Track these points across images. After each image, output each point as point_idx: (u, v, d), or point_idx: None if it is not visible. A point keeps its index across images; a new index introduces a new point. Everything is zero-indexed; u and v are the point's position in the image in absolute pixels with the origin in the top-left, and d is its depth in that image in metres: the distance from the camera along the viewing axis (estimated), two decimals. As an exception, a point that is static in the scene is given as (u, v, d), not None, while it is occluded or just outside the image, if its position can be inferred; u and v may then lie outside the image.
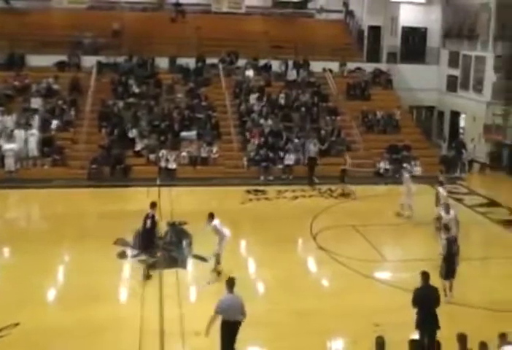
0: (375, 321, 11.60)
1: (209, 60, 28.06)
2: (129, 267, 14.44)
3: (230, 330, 9.99)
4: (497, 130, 24.16)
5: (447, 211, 15.13)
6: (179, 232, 16.34)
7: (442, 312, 11.77)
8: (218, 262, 13.87)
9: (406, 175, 19.12)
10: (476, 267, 14.97)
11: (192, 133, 23.92)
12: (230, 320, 9.94)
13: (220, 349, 10.14)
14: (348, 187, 21.29)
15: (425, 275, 10.75)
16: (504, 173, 25.15)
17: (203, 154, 23.07)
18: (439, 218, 16.23)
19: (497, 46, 25.60)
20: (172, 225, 16.72)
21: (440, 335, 10.14)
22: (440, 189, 17.74)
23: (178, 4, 30.86)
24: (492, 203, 20.94)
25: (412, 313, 12.07)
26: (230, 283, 10.09)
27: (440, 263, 12.99)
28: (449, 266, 12.88)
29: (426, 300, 10.58)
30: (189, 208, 18.58)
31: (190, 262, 14.80)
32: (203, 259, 14.82)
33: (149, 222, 13.82)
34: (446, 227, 13.45)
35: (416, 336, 10.26)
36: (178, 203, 19.29)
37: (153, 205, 14.15)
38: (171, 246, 15.50)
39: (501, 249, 16.55)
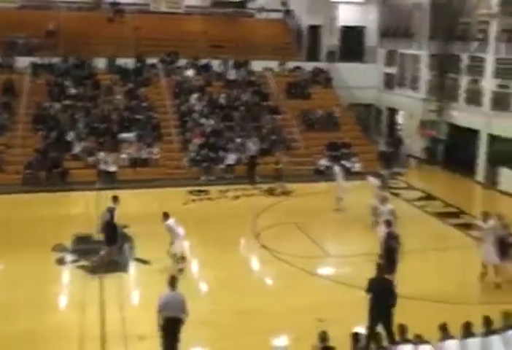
0: (319, 316, 11.73)
1: (149, 61, 27.80)
2: (68, 273, 14.20)
3: (170, 327, 10.05)
4: (432, 126, 24.83)
5: (383, 203, 15.43)
6: (119, 235, 16.09)
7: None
8: (177, 261, 13.95)
9: (337, 170, 19.56)
10: (414, 259, 15.23)
11: (132, 135, 23.65)
12: (169, 317, 10.00)
13: (162, 347, 10.15)
14: (285, 186, 21.50)
15: (379, 267, 11.08)
16: (439, 168, 25.88)
17: (144, 156, 22.84)
18: (374, 208, 16.83)
19: (431, 45, 26.30)
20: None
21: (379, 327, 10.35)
22: (371, 179, 18.08)
23: (115, 4, 30.47)
24: (429, 197, 21.56)
25: (354, 307, 12.40)
26: (171, 280, 10.19)
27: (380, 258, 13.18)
28: (388, 261, 12.86)
29: (378, 290, 10.82)
30: (130, 211, 18.25)
31: (132, 266, 14.67)
32: (144, 262, 14.74)
33: (108, 215, 14.09)
34: (388, 223, 13.60)
35: (358, 329, 10.41)
36: (119, 206, 18.98)
37: (115, 198, 14.40)
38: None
39: (437, 240, 17.09)
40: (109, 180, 21.60)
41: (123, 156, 22.77)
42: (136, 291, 13.64)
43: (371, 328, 10.48)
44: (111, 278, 13.77)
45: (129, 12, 30.52)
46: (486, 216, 14.07)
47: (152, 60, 27.82)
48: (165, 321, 10.02)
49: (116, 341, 11.01)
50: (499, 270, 13.84)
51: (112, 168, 22.03)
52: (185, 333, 10.84)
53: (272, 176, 21.83)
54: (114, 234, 14.33)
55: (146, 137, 23.73)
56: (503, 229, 14.01)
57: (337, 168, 19.76)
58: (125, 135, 23.65)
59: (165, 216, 13.92)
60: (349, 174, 22.47)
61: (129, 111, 24.81)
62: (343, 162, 23.84)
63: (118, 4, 30.42)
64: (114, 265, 14.54)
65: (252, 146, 23.67)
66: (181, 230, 14.03)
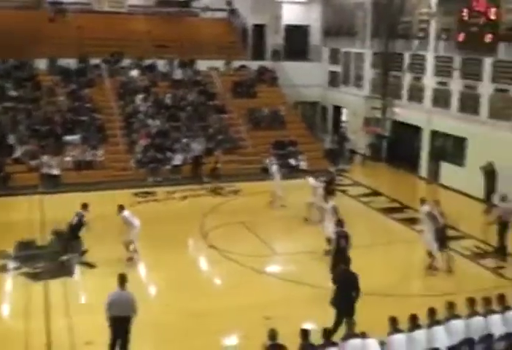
0: (267, 314, 11.84)
1: (92, 61, 27.33)
2: (11, 281, 13.86)
3: (118, 326, 10.06)
4: (376, 123, 25.29)
5: (326, 201, 15.63)
6: (64, 240, 15.83)
7: (324, 298, 12.29)
8: (129, 248, 14.68)
9: (274, 167, 19.93)
10: (361, 255, 15.49)
11: (76, 137, 23.21)
12: (116, 315, 10.01)
13: (109, 346, 10.15)
14: (220, 185, 21.76)
15: (347, 260, 11.49)
16: (384, 164, 26.40)
17: (88, 158, 22.45)
18: (310, 205, 17.32)
19: (374, 43, 26.75)
20: (57, 233, 16.17)
21: (330, 321, 10.46)
22: (310, 178, 18.41)
23: (57, 3, 29.80)
24: (374, 193, 21.96)
25: (302, 304, 12.56)
26: (121, 279, 10.18)
27: (330, 257, 13.34)
28: (336, 261, 12.94)
29: (344, 281, 11.12)
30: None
31: (77, 270, 14.44)
32: (91, 265, 14.54)
33: (76, 218, 14.53)
34: (339, 222, 13.71)
35: (307, 326, 10.50)
36: (63, 210, 18.57)
37: (84, 206, 14.86)
38: (56, 255, 15.00)
39: (383, 235, 17.43)
40: (52, 184, 21.14)
41: (67, 159, 22.30)
42: (83, 296, 13.44)
43: (338, 318, 10.80)
44: (57, 283, 13.54)
45: (71, 11, 29.88)
46: (422, 202, 14.94)
47: (95, 61, 27.37)
48: (112, 320, 10.05)
49: (63, 349, 10.83)
50: (433, 256, 14.53)
51: (56, 172, 21.53)
52: (134, 335, 10.79)
53: (210, 175, 22.15)
54: (75, 237, 14.67)
55: (91, 139, 23.32)
56: (441, 216, 14.67)
57: (274, 167, 20.04)
58: (68, 137, 23.18)
59: (121, 208, 14.65)
60: (296, 172, 22.75)
61: (72, 113, 24.34)
62: (290, 160, 24.08)
63: (60, 3, 29.77)
64: (59, 270, 14.29)
65: (197, 146, 23.55)
66: (136, 221, 14.63)
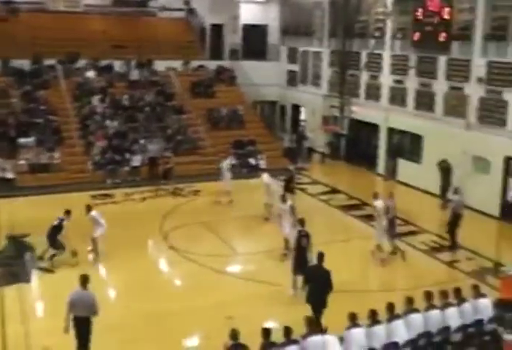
0: (228, 314, 11.80)
1: (47, 62, 26.81)
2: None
3: (79, 326, 10.09)
4: (334, 121, 25.51)
5: (283, 201, 15.66)
6: (19, 245, 15.52)
7: (284, 296, 12.42)
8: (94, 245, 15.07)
9: (224, 166, 20.23)
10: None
11: (31, 140, 22.72)
12: (77, 315, 10.05)
13: (76, 346, 10.15)
14: (177, 186, 21.62)
15: (320, 256, 11.45)
16: (342, 162, 26.63)
17: (44, 161, 22.01)
18: (268, 205, 17.45)
19: (332, 42, 26.96)
20: (12, 238, 15.83)
21: (290, 319, 10.46)
22: (265, 176, 18.49)
23: (9, 2, 29.13)
24: (333, 190, 22.13)
25: (262, 302, 12.58)
26: (83, 279, 10.20)
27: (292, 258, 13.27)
28: (298, 260, 13.03)
29: (317, 278, 11.24)
30: (31, 219, 17.67)
31: (34, 276, 14.15)
32: (48, 270, 14.27)
33: (56, 222, 14.68)
34: (301, 222, 13.65)
35: (268, 324, 10.52)
36: (18, 214, 18.33)
37: (67, 212, 14.91)
38: (11, 261, 14.68)
39: (342, 232, 17.58)
40: (6, 187, 20.67)
41: (22, 162, 21.83)
42: (40, 301, 13.19)
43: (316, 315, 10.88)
44: (13, 289, 13.24)
45: (25, 10, 29.26)
46: (375, 196, 15.43)
47: (50, 62, 26.86)
48: (73, 321, 10.06)
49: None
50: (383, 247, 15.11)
51: (10, 175, 21.07)
52: (95, 339, 10.65)
53: (163, 176, 22.02)
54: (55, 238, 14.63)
55: (47, 141, 22.88)
56: (393, 208, 15.30)
57: (225, 165, 20.33)
58: (23, 140, 22.69)
59: (88, 208, 15.11)
60: (256, 171, 22.77)
61: (27, 115, 23.84)
62: (249, 159, 24.13)
63: (12, 2, 29.12)
64: (15, 275, 13.98)
65: (153, 147, 23.33)
66: (103, 221, 15.06)
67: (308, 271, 11.42)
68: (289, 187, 19.20)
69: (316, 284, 11.24)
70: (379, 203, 15.28)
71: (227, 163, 20.49)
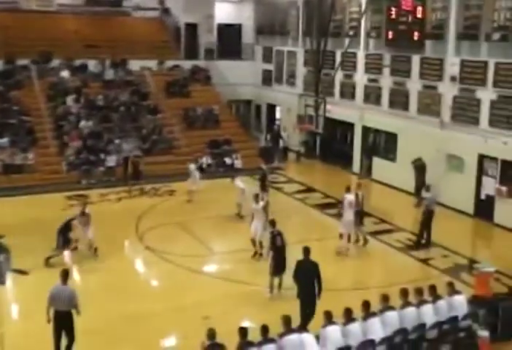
0: (205, 313, 11.78)
1: (20, 62, 26.48)
2: None
3: (58, 320, 10.25)
4: (310, 120, 25.57)
5: (256, 201, 15.68)
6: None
7: (260, 295, 12.47)
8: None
9: (192, 166, 20.52)
10: (296, 251, 15.63)
11: (4, 140, 22.42)
12: (58, 310, 10.24)
13: (54, 344, 10.28)
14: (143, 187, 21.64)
15: (306, 250, 11.57)
16: (318, 161, 26.74)
17: (18, 162, 21.74)
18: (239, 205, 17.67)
19: (306, 41, 27.04)
20: (-15, 240, 15.59)
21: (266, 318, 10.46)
22: (237, 181, 18.60)
23: (-20, 2, 28.80)
24: (308, 189, 22.22)
25: (238, 301, 12.59)
26: (63, 274, 10.52)
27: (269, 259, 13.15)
28: (276, 261, 12.96)
29: (305, 272, 11.33)
30: (5, 220, 17.44)
31: (9, 278, 13.96)
32: (23, 272, 14.09)
33: (67, 219, 14.91)
34: (272, 222, 13.66)
35: (244, 324, 10.54)
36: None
37: (82, 213, 15.40)
38: (-15, 262, 14.46)
39: (317, 231, 17.65)
40: (-20, 189, 20.42)
41: (-5, 162, 21.62)
42: (15, 303, 13.05)
43: (303, 310, 11.04)
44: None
45: (-4, 10, 28.97)
46: (347, 190, 15.99)
47: (23, 62, 26.53)
48: (54, 315, 10.20)
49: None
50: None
51: (-16, 176, 20.85)
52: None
53: (132, 176, 21.98)
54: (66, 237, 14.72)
55: (20, 142, 22.62)
56: (361, 199, 15.97)
57: (192, 166, 20.56)
58: (-4, 140, 22.46)
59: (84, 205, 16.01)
60: (231, 171, 22.76)
61: (0, 116, 23.53)
62: (225, 159, 24.13)
63: (-16, 2, 28.78)
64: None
65: (127, 146, 23.16)
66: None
67: (296, 266, 11.45)
68: (262, 186, 19.22)
69: (305, 277, 11.30)
70: (350, 197, 15.73)
71: (196, 165, 20.80)
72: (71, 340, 10.36)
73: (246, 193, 17.84)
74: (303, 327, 9.22)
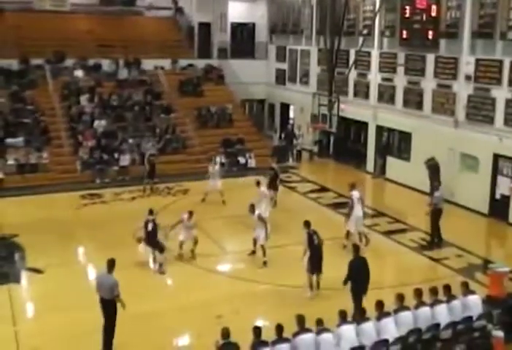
0: (219, 312, 11.85)
1: (34, 62, 26.65)
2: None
3: (104, 307, 10.75)
4: (323, 119, 25.52)
5: (252, 212, 15.29)
6: (9, 245, 15.45)
7: (273, 294, 12.38)
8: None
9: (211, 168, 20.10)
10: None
11: (19, 140, 22.58)
12: (102, 297, 10.77)
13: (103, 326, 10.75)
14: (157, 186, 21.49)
15: (355, 247, 12.01)
16: (331, 160, 26.65)
17: (32, 161, 21.87)
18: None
19: (319, 40, 26.98)
20: (1, 239, 15.76)
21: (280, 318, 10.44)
22: (262, 187, 17.64)
23: (-5, 2, 28.99)
24: (322, 189, 22.15)
25: (250, 300, 12.57)
26: (109, 263, 10.89)
27: (307, 258, 13.17)
28: (314, 259, 13.08)
29: (359, 269, 11.63)
30: (19, 219, 17.65)
31: (24, 276, 14.08)
32: (37, 271, 14.19)
33: (150, 225, 14.53)
34: (306, 223, 13.50)
35: (258, 323, 10.53)
36: (6, 215, 18.23)
37: (151, 212, 14.87)
38: (1, 261, 14.61)
39: (331, 230, 17.52)
40: (-5, 188, 20.58)
41: (10, 162, 21.70)
42: (30, 302, 13.12)
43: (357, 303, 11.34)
44: (2, 290, 13.16)
45: (10, 10, 29.07)
46: (352, 187, 16.08)
47: (37, 61, 26.68)
48: (99, 301, 10.75)
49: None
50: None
51: (-1, 175, 20.98)
52: (83, 342, 10.65)
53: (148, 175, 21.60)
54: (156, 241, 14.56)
55: (34, 141, 22.77)
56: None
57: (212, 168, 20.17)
58: (10, 140, 22.55)
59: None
60: (245, 170, 22.76)
61: (14, 115, 23.70)
62: (238, 158, 24.14)
63: (-2, 2, 28.97)
64: (5, 276, 13.90)
65: (146, 145, 23.29)
66: None
67: (350, 265, 11.74)
68: (273, 185, 19.13)
69: (359, 273, 11.57)
70: (356, 193, 15.79)
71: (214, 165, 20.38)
72: (107, 326, 10.68)
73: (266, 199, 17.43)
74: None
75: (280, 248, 15.09)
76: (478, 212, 18.97)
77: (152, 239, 14.44)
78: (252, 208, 15.39)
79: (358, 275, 11.64)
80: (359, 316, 10.01)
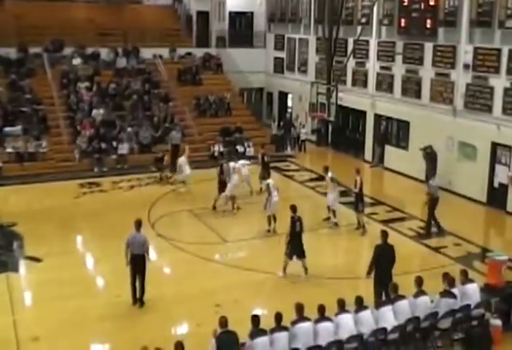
0: (217, 301, 11.89)
1: (32, 50, 26.53)
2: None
3: (136, 262, 11.92)
4: (322, 108, 25.45)
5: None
6: (7, 234, 15.36)
7: (271, 283, 12.44)
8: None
9: (182, 159, 20.18)
10: (310, 239, 15.62)
11: (17, 128, 22.51)
12: (134, 253, 11.93)
13: (130, 284, 11.96)
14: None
15: (384, 234, 11.89)
16: (330, 149, 26.63)
17: (31, 150, 21.82)
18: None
19: (318, 29, 26.86)
20: (0, 227, 15.72)
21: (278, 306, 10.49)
22: (231, 164, 18.44)
23: (-7, -9, 28.82)
24: (320, 178, 22.07)
25: (248, 289, 12.62)
26: (137, 223, 12.21)
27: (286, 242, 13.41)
28: (293, 245, 13.28)
29: (383, 256, 11.61)
30: (18, 208, 17.67)
31: (22, 265, 14.08)
32: (36, 259, 14.17)
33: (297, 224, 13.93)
34: (293, 208, 13.76)
35: (256, 312, 10.57)
36: (5, 203, 18.24)
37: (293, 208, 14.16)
38: (0, 250, 14.59)
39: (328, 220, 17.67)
40: (-7, 176, 20.55)
41: (9, 150, 21.68)
42: (28, 290, 13.17)
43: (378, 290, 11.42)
44: (0, 279, 13.16)
45: (10, -2, 29.01)
46: (326, 170, 17.28)
47: (35, 50, 26.55)
48: (131, 258, 11.89)
49: (8, 345, 10.58)
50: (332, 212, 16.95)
51: (-2, 164, 20.95)
52: (83, 329, 10.68)
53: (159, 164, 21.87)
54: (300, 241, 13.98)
55: (33, 130, 22.70)
56: (360, 183, 16.71)
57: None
58: (10, 129, 22.48)
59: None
60: (244, 158, 22.69)
61: (13, 104, 23.61)
62: (237, 146, 24.14)
63: (-4, -9, 28.80)
64: (4, 264, 13.88)
65: (177, 135, 23.39)
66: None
67: (376, 249, 11.75)
68: (265, 173, 19.26)
69: (383, 260, 11.56)
70: (329, 175, 17.08)
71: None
72: (142, 280, 11.95)
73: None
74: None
75: (279, 236, 15.10)
76: (476, 201, 19.01)
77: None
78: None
79: (383, 262, 11.58)
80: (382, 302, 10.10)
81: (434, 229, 16.36)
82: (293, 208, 13.71)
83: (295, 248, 13.25)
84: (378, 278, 11.55)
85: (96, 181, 20.82)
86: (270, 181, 16.79)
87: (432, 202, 16.27)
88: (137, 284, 12.02)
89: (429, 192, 16.40)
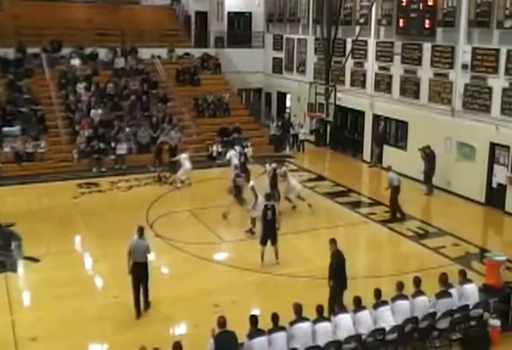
0: (215, 302, 11.88)
1: (31, 50, 26.50)
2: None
3: (136, 271, 11.60)
4: (320, 108, 25.47)
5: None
6: (6, 234, 15.35)
7: (270, 283, 12.49)
8: None
9: (183, 155, 20.54)
10: (307, 239, 15.79)
11: (16, 129, 22.52)
12: (136, 261, 11.61)
13: (133, 293, 11.57)
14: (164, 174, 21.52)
15: (333, 241, 11.81)
16: (328, 149, 26.62)
17: (29, 150, 21.82)
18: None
19: (316, 29, 26.89)
20: (-3, 227, 15.72)
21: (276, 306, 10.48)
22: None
23: (-9, -9, 28.78)
24: (318, 178, 22.17)
25: (246, 289, 12.61)
26: (139, 230, 11.97)
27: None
28: (263, 232, 13.88)
29: (342, 261, 11.56)
30: (16, 208, 17.63)
31: (20, 265, 14.06)
32: (34, 260, 14.17)
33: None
34: (267, 196, 14.40)
35: (254, 312, 10.55)
36: (4, 203, 18.22)
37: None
38: (-2, 250, 14.59)
39: (328, 219, 17.67)
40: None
41: (7, 150, 21.67)
42: (26, 291, 13.15)
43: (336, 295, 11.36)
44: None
45: (7, -1, 28.97)
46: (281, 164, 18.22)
47: (33, 50, 26.53)
48: (132, 266, 11.57)
49: (6, 345, 10.56)
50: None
51: (-4, 164, 20.96)
52: (82, 330, 10.67)
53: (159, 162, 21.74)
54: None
55: (31, 130, 22.69)
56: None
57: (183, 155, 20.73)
58: (8, 129, 22.49)
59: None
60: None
61: (11, 104, 23.59)
62: (236, 147, 24.06)
63: (-6, -9, 28.76)
64: (2, 264, 13.86)
65: (176, 135, 23.42)
66: None
67: (335, 256, 11.59)
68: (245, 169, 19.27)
69: (338, 265, 11.51)
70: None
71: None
72: (146, 289, 11.69)
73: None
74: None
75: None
76: (475, 201, 19.02)
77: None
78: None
79: (338, 267, 11.47)
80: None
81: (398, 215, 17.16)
82: (267, 196, 14.31)
83: (267, 234, 13.78)
84: (341, 282, 11.49)
85: (95, 182, 20.81)
86: (252, 183, 16.43)
87: (393, 190, 17.15)
88: (140, 293, 11.68)
89: (388, 182, 17.29)
